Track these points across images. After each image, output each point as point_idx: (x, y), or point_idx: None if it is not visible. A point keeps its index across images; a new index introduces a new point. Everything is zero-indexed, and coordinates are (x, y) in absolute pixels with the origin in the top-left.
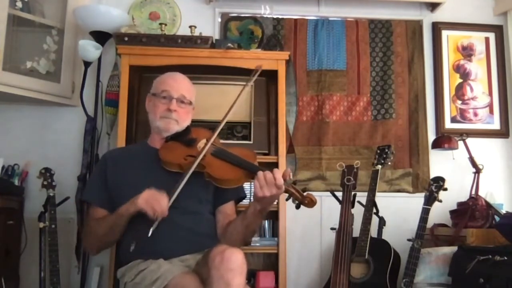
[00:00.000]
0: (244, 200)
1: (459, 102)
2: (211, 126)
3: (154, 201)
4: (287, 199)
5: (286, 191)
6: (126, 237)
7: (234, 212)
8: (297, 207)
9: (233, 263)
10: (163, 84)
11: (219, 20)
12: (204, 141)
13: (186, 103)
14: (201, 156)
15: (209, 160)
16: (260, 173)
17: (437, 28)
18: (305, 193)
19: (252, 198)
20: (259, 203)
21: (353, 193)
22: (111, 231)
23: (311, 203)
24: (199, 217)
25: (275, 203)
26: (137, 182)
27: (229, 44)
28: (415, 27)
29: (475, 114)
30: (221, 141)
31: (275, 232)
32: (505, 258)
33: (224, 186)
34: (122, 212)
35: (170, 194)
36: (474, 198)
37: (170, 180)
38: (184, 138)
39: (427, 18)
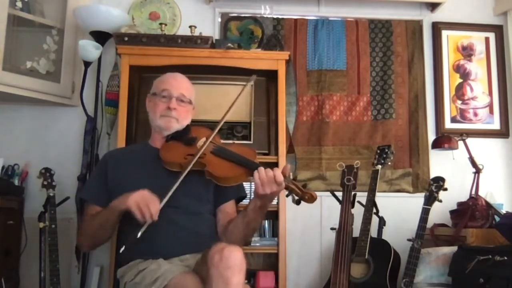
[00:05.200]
0: (244, 200)
1: (459, 102)
2: (211, 126)
3: (144, 205)
4: (287, 195)
5: (286, 187)
6: (124, 238)
7: (235, 211)
8: (298, 203)
9: (232, 261)
10: (163, 83)
11: (219, 20)
12: (203, 139)
13: (185, 101)
14: (199, 154)
15: (209, 158)
16: (261, 170)
17: (437, 28)
18: (305, 189)
19: (252, 196)
20: (260, 199)
21: (353, 193)
22: (103, 226)
23: (311, 198)
24: (199, 217)
25: (274, 202)
26: (138, 182)
27: (229, 44)
28: (415, 27)
29: (475, 114)
30: (221, 141)
31: (275, 232)
32: (505, 258)
33: (224, 184)
34: (113, 207)
35: (163, 197)
36: (474, 198)
37: (171, 180)
38: (184, 137)
39: (427, 18)
